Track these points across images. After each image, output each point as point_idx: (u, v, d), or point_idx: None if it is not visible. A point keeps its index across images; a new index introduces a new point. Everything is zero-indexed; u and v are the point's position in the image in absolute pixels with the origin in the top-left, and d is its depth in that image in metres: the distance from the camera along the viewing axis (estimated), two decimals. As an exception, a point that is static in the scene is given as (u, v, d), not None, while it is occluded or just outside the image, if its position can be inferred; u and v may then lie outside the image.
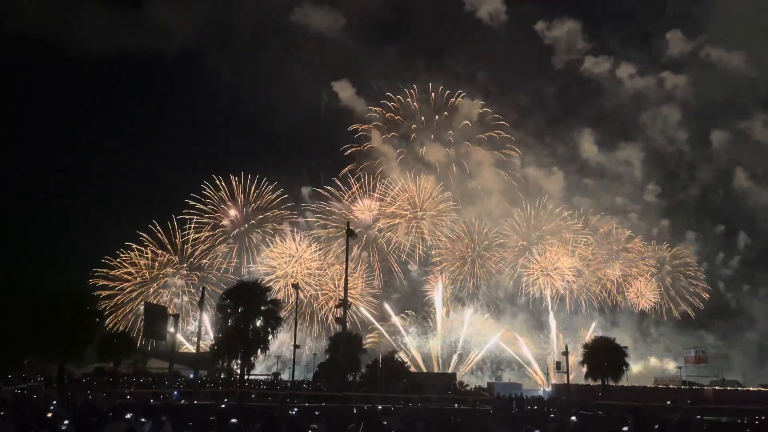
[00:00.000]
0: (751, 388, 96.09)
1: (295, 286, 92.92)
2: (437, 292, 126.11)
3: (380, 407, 48.64)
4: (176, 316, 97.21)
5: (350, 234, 70.86)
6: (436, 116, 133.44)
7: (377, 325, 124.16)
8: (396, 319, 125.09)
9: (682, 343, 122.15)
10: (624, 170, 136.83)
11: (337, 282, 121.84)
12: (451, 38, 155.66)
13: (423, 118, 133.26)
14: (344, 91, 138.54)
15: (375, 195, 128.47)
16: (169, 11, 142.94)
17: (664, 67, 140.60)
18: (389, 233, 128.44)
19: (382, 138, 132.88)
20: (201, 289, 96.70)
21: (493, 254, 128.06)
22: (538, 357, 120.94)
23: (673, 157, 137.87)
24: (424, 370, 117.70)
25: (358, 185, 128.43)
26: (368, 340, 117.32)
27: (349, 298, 71.48)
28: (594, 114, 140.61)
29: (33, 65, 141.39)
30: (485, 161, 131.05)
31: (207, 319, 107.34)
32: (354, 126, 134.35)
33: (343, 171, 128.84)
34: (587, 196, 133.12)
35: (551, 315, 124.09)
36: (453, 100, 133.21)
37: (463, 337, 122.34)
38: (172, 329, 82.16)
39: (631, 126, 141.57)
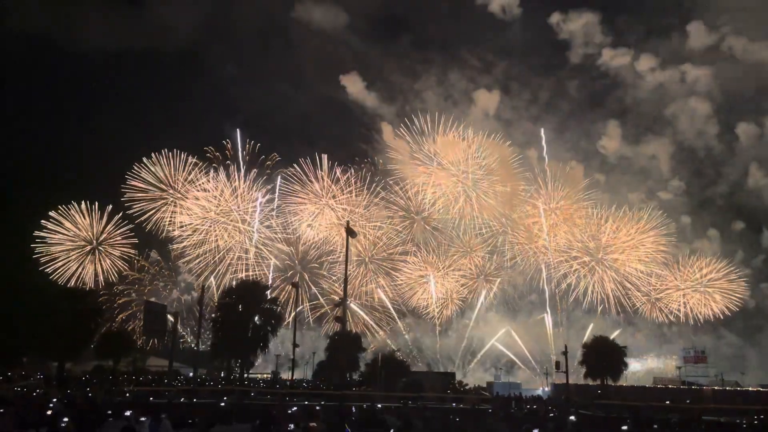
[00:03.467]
0: (750, 388, 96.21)
1: (295, 285, 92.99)
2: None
3: (379, 406, 48.65)
4: (176, 315, 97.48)
5: (350, 233, 70.99)
6: (452, 110, 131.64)
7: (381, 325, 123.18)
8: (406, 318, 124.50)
9: (701, 342, 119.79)
10: (649, 165, 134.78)
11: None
12: (462, 33, 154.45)
13: (437, 111, 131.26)
14: (353, 85, 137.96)
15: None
16: (170, 9, 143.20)
17: (686, 60, 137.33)
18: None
19: (393, 132, 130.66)
20: (201, 287, 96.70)
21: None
22: (543, 355, 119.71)
23: (701, 152, 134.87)
24: (439, 369, 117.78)
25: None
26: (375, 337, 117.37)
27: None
28: (615, 108, 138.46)
29: (35, 62, 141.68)
30: (502, 156, 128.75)
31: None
32: (365, 120, 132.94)
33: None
34: (608, 191, 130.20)
35: (547, 313, 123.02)
36: (469, 93, 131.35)
37: (475, 336, 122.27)
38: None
39: (654, 120, 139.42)
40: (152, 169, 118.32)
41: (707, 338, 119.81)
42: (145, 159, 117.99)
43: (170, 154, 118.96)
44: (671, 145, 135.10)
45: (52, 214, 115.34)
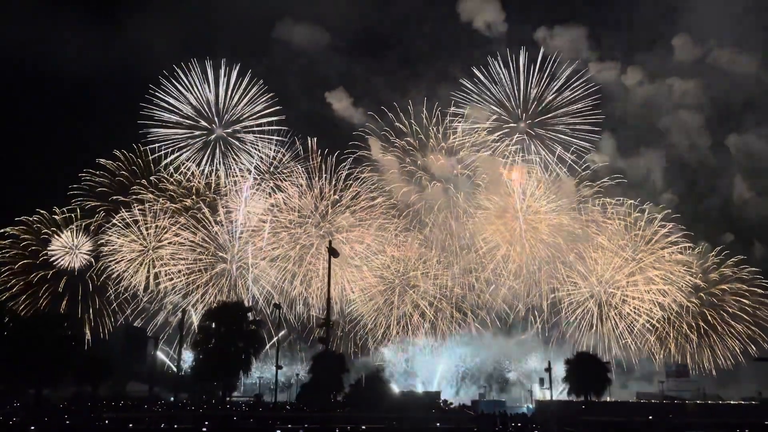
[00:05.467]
0: (731, 402, 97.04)
1: (278, 306, 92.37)
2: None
3: (364, 427, 48.33)
4: (156, 339, 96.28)
5: (332, 253, 70.73)
6: (439, 127, 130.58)
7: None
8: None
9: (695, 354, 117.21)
10: (643, 178, 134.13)
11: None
12: (448, 49, 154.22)
13: (426, 126, 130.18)
14: (339, 101, 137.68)
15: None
16: (148, 29, 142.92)
17: (672, 73, 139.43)
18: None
19: (381, 147, 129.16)
20: (182, 310, 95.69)
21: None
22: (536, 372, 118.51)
23: (694, 165, 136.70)
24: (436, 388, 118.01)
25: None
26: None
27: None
28: (605, 122, 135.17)
29: (10, 81, 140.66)
30: (493, 170, 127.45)
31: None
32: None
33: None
34: (599, 205, 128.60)
35: (530, 329, 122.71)
36: (458, 108, 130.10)
37: (468, 353, 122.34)
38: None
39: (646, 133, 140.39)
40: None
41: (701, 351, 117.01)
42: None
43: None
44: (664, 158, 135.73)
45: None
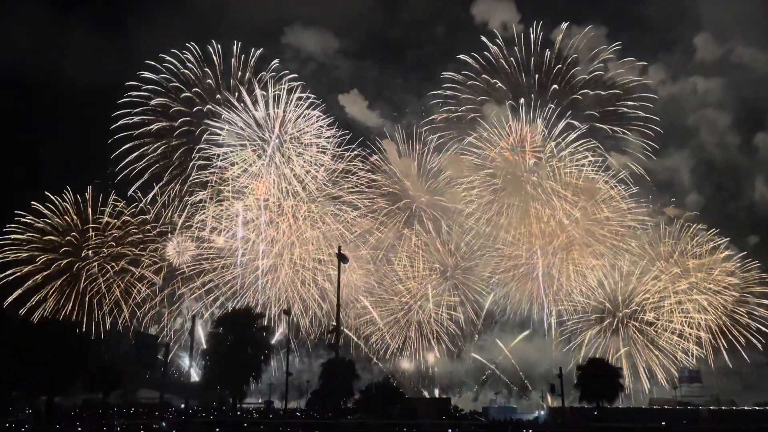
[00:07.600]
0: (745, 408, 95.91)
1: (287, 312, 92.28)
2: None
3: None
4: (167, 345, 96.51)
5: (342, 259, 70.45)
6: (459, 126, 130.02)
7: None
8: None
9: (721, 360, 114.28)
10: (670, 178, 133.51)
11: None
12: (463, 51, 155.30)
13: (444, 128, 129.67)
14: (353, 104, 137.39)
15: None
16: (157, 40, 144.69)
17: (695, 72, 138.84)
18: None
19: (397, 151, 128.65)
20: (192, 317, 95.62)
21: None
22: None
23: (720, 165, 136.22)
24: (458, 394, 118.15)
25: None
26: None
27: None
28: (629, 122, 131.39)
29: (26, 94, 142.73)
30: (515, 173, 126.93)
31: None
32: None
33: None
34: (620, 208, 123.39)
35: (547, 332, 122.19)
36: (476, 110, 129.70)
37: (487, 358, 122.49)
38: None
39: (671, 133, 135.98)
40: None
41: (729, 356, 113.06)
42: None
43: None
44: (691, 158, 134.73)
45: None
